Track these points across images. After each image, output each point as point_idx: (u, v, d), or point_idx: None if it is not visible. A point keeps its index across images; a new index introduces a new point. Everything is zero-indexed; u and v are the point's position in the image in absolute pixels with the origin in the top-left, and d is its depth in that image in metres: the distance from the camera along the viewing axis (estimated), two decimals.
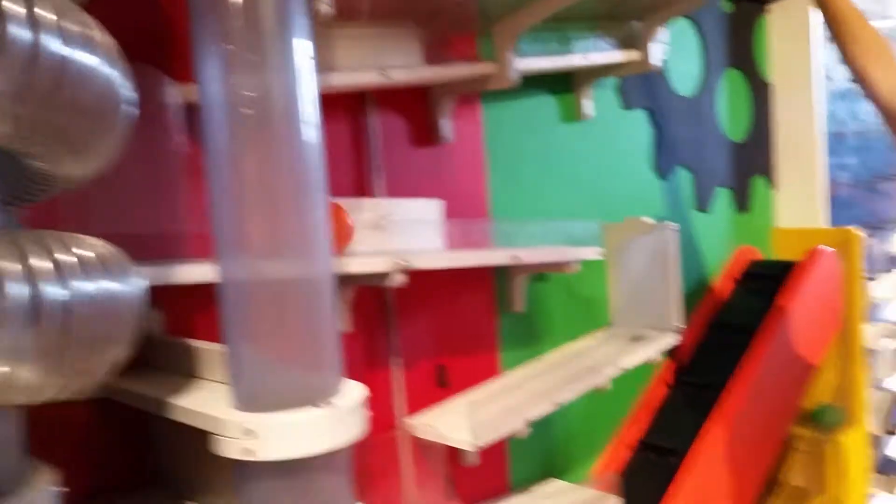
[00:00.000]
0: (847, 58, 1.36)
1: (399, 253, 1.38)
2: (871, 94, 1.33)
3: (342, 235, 1.43)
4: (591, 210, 2.00)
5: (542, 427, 1.93)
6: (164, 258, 1.27)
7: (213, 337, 1.21)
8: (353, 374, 1.51)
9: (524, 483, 1.89)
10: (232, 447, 0.94)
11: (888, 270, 3.22)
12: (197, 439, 1.05)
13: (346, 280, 1.44)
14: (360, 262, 1.33)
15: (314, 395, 0.96)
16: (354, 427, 0.97)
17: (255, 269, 0.95)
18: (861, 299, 2.54)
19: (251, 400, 0.97)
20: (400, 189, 1.59)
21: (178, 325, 1.28)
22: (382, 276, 1.38)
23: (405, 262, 1.36)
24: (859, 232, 2.49)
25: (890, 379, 3.28)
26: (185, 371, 1.17)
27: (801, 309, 2.21)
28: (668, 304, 2.00)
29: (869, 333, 3.02)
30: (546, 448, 1.96)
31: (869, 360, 3.14)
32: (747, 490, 2.04)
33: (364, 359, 1.56)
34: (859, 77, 1.34)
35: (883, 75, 1.30)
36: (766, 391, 2.08)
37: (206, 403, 1.01)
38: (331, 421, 0.94)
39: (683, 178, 2.34)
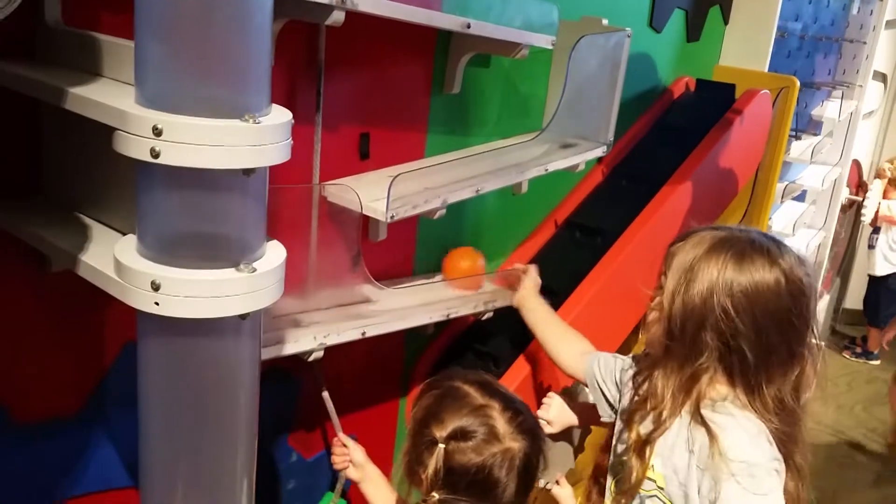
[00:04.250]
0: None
1: None
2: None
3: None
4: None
5: (453, 218, 1.88)
6: None
7: (121, 31, 1.06)
8: None
9: (428, 270, 1.87)
10: (138, 146, 0.83)
11: (812, 133, 3.27)
12: (96, 140, 0.92)
13: (278, 7, 1.28)
14: None
15: (230, 110, 0.84)
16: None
17: None
18: (782, 150, 2.57)
19: (158, 100, 0.84)
20: None
21: (79, 14, 1.10)
22: (323, 9, 1.23)
23: None
24: (797, 82, 2.47)
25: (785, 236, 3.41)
26: (84, 67, 1.02)
27: (726, 147, 2.20)
28: (607, 115, 1.94)
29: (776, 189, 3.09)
30: (455, 240, 1.93)
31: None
32: None
33: (285, 105, 1.42)
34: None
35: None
36: (680, 212, 2.10)
37: (110, 96, 0.88)
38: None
39: None
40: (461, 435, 1.07)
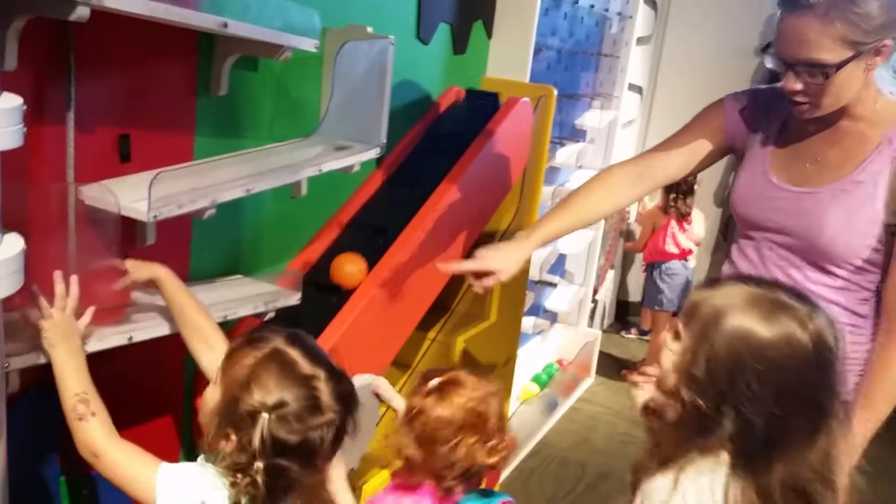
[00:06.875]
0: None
1: None
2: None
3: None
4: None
5: (230, 222, 1.88)
6: None
7: None
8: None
9: (207, 274, 1.85)
10: None
11: (577, 140, 3.56)
12: None
13: (17, 5, 1.23)
14: None
15: None
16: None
17: None
18: (545, 154, 2.79)
19: None
20: None
21: None
22: (65, 4, 1.20)
23: None
24: (555, 91, 2.69)
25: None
26: None
27: (493, 150, 2.36)
28: (378, 118, 2.02)
29: (546, 193, 3.34)
30: (233, 244, 1.92)
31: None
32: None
33: (32, 106, 1.36)
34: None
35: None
36: (454, 211, 2.23)
37: None
38: None
39: (409, 2, 2.33)
40: (287, 406, 1.10)
